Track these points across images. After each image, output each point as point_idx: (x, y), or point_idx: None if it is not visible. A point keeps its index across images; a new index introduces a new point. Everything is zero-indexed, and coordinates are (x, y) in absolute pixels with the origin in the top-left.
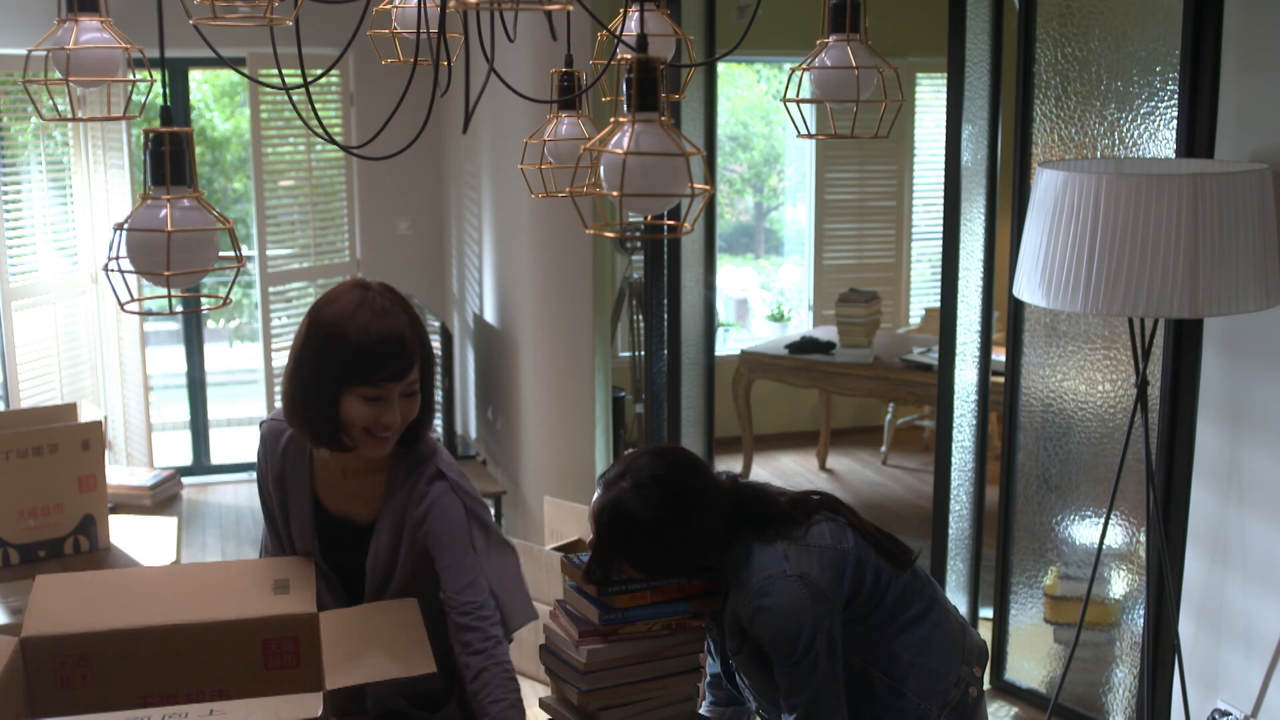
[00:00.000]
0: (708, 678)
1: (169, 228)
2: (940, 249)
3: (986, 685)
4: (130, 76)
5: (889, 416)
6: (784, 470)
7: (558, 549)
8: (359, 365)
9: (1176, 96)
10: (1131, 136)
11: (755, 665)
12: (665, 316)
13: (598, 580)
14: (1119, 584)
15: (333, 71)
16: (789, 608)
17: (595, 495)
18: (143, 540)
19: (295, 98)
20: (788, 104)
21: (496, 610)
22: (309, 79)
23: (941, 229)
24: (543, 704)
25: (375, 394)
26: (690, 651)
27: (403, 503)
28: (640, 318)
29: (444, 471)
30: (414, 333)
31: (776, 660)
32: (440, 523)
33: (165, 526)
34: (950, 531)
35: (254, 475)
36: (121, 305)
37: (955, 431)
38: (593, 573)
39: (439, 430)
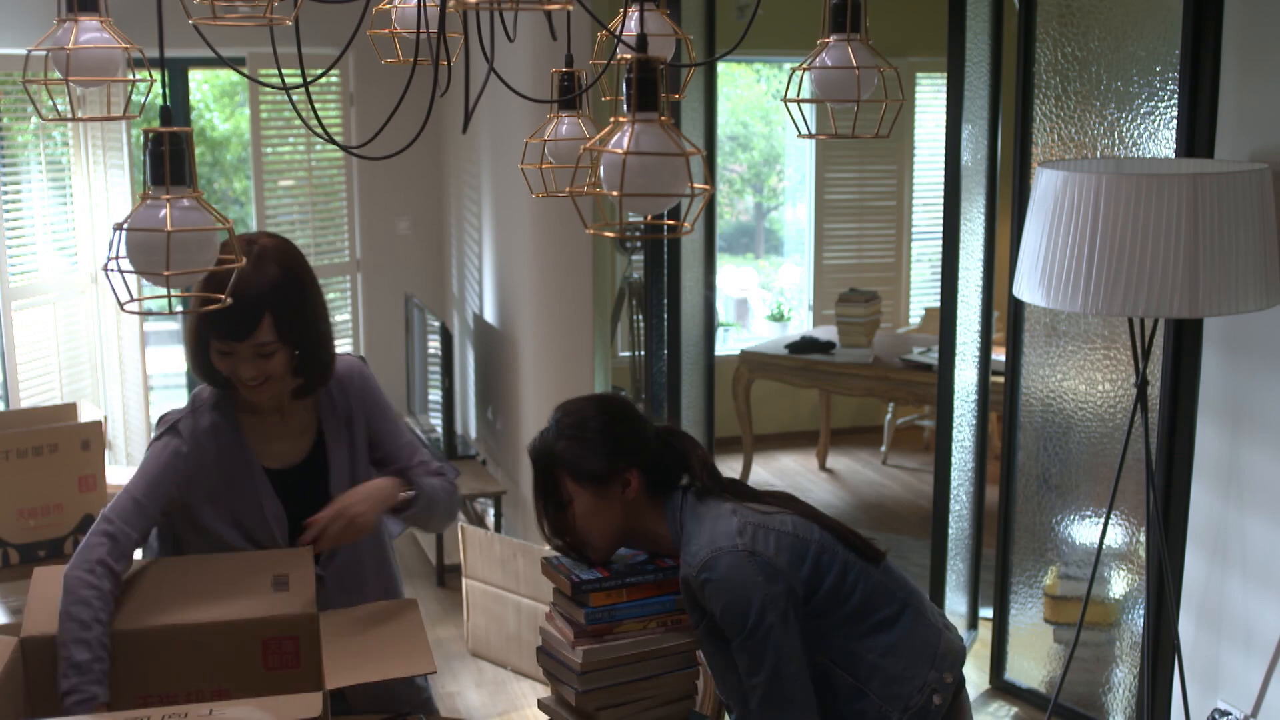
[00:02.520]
0: None
1: (169, 228)
2: (940, 249)
3: (986, 685)
4: (130, 76)
5: (889, 416)
6: (784, 470)
7: None
8: (206, 321)
9: (1176, 96)
10: (1131, 136)
11: (711, 641)
12: (665, 316)
13: (549, 525)
14: (1119, 584)
15: (333, 71)
16: (735, 582)
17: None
18: None
19: (295, 98)
20: (788, 104)
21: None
22: (309, 79)
23: (941, 229)
24: (541, 705)
25: (224, 349)
26: (686, 649)
27: (341, 418)
28: (640, 318)
29: (361, 358)
30: (268, 296)
31: (730, 635)
32: (382, 402)
33: None
34: (950, 531)
35: None
36: (121, 305)
37: (955, 431)
38: (539, 511)
39: (439, 430)
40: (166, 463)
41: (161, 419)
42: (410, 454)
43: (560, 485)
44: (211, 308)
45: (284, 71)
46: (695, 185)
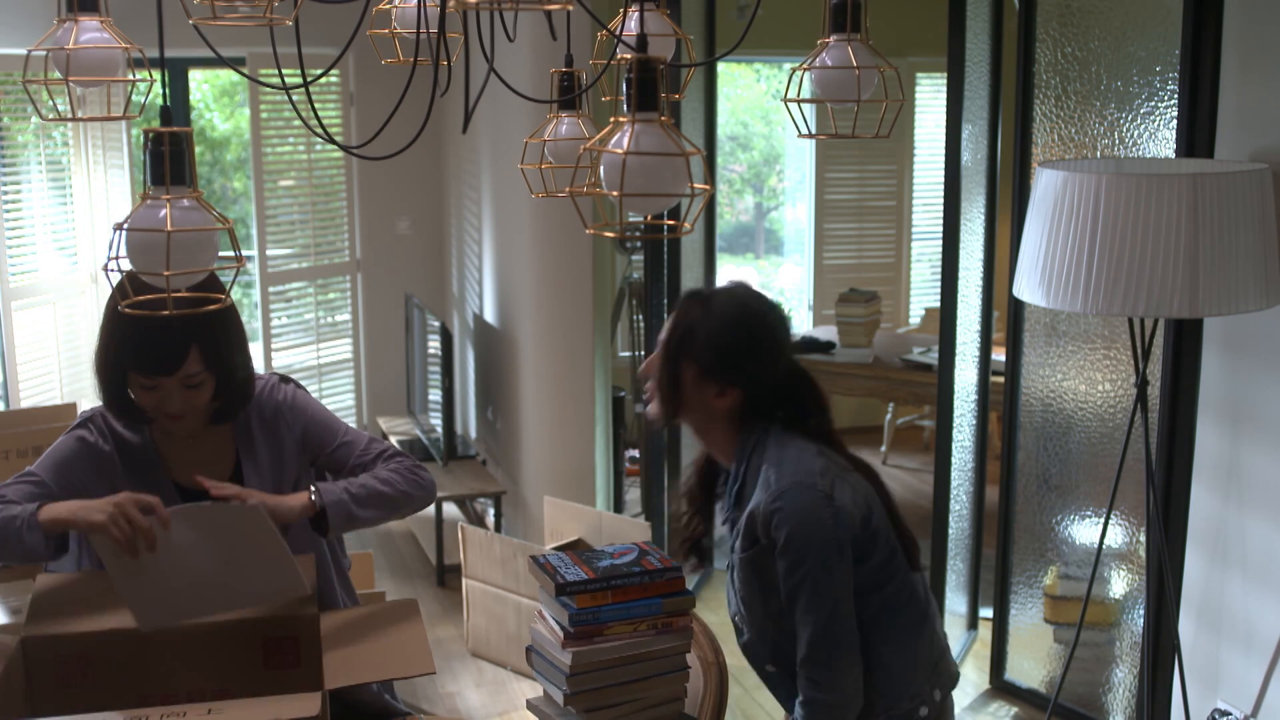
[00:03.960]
0: None
1: (169, 228)
2: (940, 249)
3: (986, 685)
4: (130, 76)
5: (889, 416)
6: None
7: (558, 549)
8: (127, 356)
9: (1176, 96)
10: (1131, 136)
11: (750, 572)
12: (665, 316)
13: (650, 385)
14: (1119, 584)
15: (333, 71)
16: (807, 518)
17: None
18: None
19: (295, 98)
20: (788, 104)
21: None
22: (309, 79)
23: (941, 229)
24: (530, 705)
25: (149, 384)
26: (677, 652)
27: (263, 449)
28: (640, 318)
29: (282, 377)
30: (194, 325)
31: (789, 569)
32: (311, 410)
33: None
34: (950, 531)
35: None
36: (120, 305)
37: (955, 431)
38: (647, 377)
39: (439, 430)
40: (74, 449)
41: (80, 415)
42: (351, 451)
43: (685, 345)
44: (211, 308)
45: (284, 71)
46: (695, 185)
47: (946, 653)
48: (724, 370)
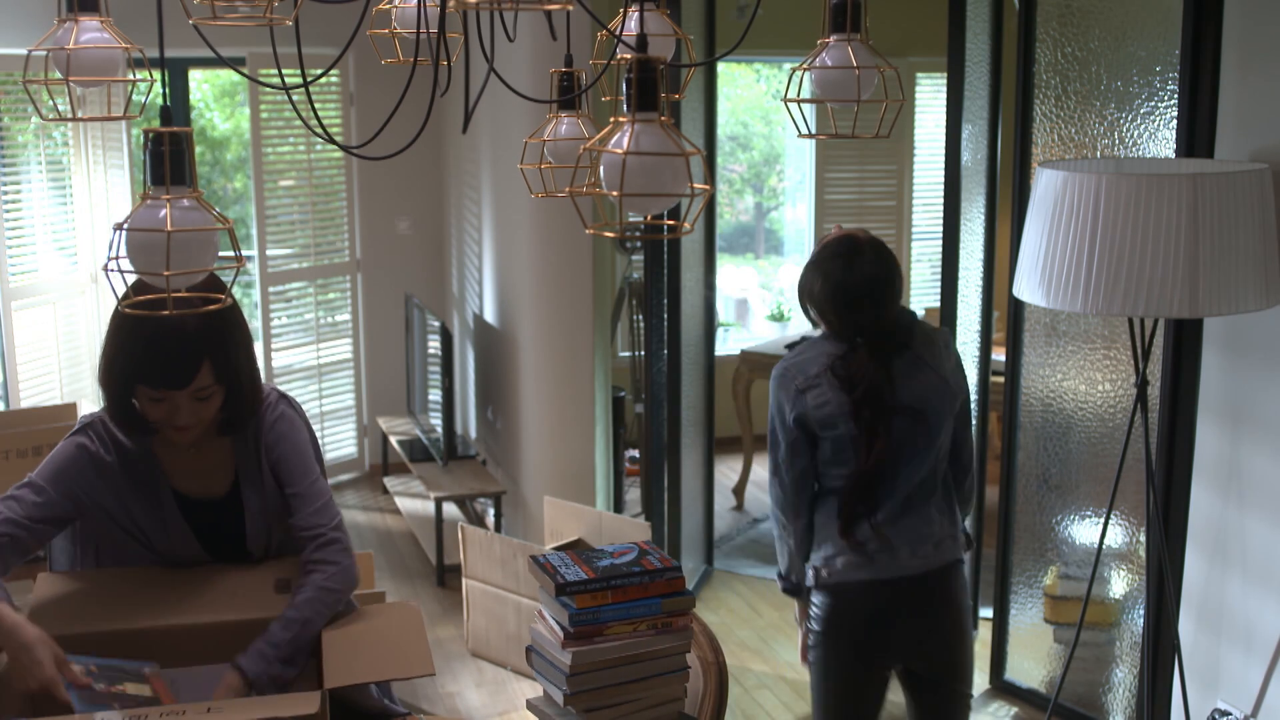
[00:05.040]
0: None
1: (169, 228)
2: (940, 249)
3: (986, 685)
4: (130, 76)
5: None
6: None
7: (558, 549)
8: (136, 368)
9: (1176, 96)
10: (1131, 136)
11: None
12: (665, 316)
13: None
14: (1119, 584)
15: (333, 71)
16: (780, 388)
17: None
18: None
19: (295, 98)
20: (788, 104)
21: (346, 535)
22: (309, 79)
23: (941, 229)
24: (530, 705)
25: (158, 396)
26: (677, 652)
27: (254, 458)
28: (640, 318)
29: (281, 394)
30: (206, 337)
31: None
32: (289, 443)
33: None
34: None
35: None
36: (121, 305)
37: None
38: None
39: (439, 430)
40: (75, 456)
41: (80, 420)
42: (300, 507)
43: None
44: (212, 308)
45: (284, 71)
46: (695, 185)
47: (876, 558)
48: (800, 290)
